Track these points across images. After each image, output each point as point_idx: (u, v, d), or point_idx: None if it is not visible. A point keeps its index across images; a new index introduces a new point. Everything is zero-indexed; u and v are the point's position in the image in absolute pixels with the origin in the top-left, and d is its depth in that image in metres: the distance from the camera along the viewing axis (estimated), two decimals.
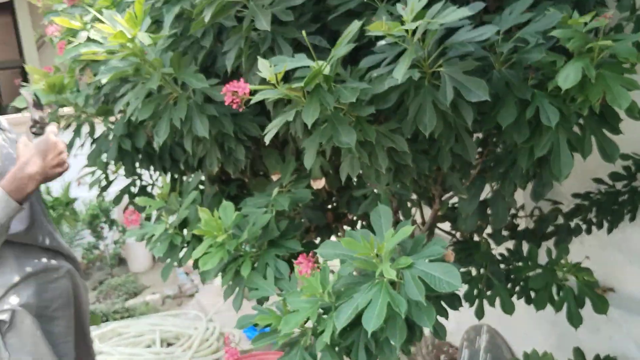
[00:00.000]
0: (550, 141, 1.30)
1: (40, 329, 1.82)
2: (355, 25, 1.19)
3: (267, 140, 1.27)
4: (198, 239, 1.56)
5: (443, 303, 1.43)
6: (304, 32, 1.26)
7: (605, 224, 2.23)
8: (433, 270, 1.12)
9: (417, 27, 1.11)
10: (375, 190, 1.68)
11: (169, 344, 4.08)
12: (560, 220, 2.33)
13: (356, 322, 1.34)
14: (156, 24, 1.59)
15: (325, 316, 1.26)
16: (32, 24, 8.74)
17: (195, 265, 1.52)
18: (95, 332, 4.17)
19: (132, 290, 5.26)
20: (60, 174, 1.66)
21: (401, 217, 1.76)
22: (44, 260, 1.89)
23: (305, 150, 1.35)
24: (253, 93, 1.22)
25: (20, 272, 1.80)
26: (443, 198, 1.79)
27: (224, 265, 1.52)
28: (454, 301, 1.50)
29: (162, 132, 1.48)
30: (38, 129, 1.74)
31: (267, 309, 1.34)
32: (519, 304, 2.09)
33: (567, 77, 1.11)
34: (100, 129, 2.04)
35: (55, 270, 1.93)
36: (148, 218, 1.95)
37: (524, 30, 1.26)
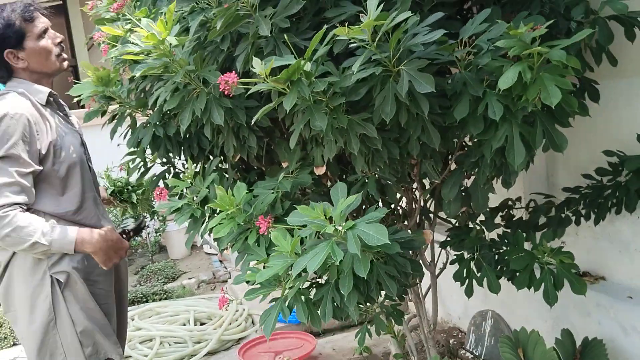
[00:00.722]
0: (505, 134, 1.54)
1: (87, 289, 2.17)
2: (321, 32, 1.46)
3: (253, 121, 1.59)
4: (214, 213, 1.85)
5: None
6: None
7: (593, 216, 2.43)
8: (368, 229, 1.40)
9: (375, 31, 1.38)
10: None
11: (202, 324, 4.39)
12: (553, 212, 2.54)
13: (326, 282, 1.63)
14: (186, 32, 1.88)
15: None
16: (84, 27, 9.28)
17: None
18: (135, 310, 4.53)
19: (170, 275, 5.61)
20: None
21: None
22: None
23: (292, 133, 1.63)
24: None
25: None
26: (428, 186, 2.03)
27: (236, 235, 1.80)
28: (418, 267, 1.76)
29: (185, 120, 1.78)
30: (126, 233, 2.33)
31: (254, 268, 1.63)
32: (520, 292, 2.28)
33: (507, 78, 1.36)
34: (140, 121, 2.35)
35: None
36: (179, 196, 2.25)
37: (480, 38, 1.50)
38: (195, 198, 1.97)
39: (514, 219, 2.58)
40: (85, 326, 2.13)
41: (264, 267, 1.62)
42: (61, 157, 2.12)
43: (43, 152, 2.06)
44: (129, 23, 2.01)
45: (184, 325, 4.35)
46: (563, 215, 2.48)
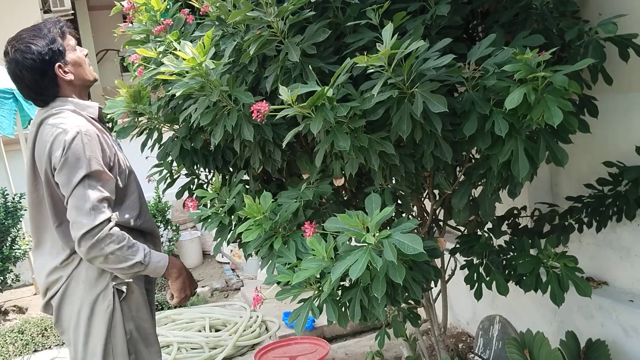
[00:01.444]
0: (511, 149, 1.69)
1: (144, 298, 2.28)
2: (349, 62, 1.61)
3: (284, 144, 1.74)
4: (242, 222, 2.00)
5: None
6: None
7: (595, 224, 2.57)
8: (403, 239, 1.54)
9: (392, 58, 1.53)
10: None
11: (217, 330, 4.53)
12: (557, 220, 2.68)
13: (354, 284, 1.77)
14: (216, 54, 2.03)
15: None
16: (93, 40, 9.53)
17: (240, 244, 1.97)
18: None
19: None
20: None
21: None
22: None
23: (318, 152, 1.78)
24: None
25: None
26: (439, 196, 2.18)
27: (262, 241, 1.95)
28: (439, 273, 1.90)
29: (217, 135, 1.93)
30: None
31: (287, 270, 1.77)
32: (526, 297, 2.41)
33: (512, 99, 1.51)
34: (167, 136, 2.50)
35: None
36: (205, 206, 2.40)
37: (486, 62, 1.66)
38: (222, 207, 2.12)
39: (520, 227, 2.73)
40: (132, 335, 2.22)
41: (298, 270, 1.76)
42: (121, 167, 2.22)
43: (111, 164, 2.15)
44: (161, 45, 2.16)
45: (200, 331, 4.49)
46: (566, 223, 2.62)
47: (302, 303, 1.81)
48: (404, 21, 1.81)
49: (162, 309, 5.09)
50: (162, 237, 6.62)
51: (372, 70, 1.68)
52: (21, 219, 5.82)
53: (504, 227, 2.71)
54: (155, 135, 2.48)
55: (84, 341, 2.18)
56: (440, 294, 2.79)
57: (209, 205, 2.21)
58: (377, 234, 1.55)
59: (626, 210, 2.43)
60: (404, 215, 2.16)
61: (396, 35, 1.57)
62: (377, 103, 1.68)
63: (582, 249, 2.91)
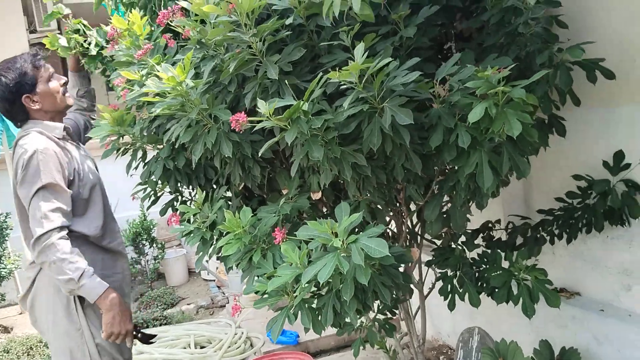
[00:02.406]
0: (476, 161, 1.79)
1: None
2: (323, 77, 1.70)
3: (259, 153, 1.84)
4: (223, 237, 2.07)
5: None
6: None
7: (565, 236, 2.66)
8: (370, 242, 1.61)
9: (362, 74, 1.62)
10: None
11: (202, 347, 4.57)
12: (529, 232, 2.77)
13: (328, 291, 1.85)
14: (197, 75, 2.12)
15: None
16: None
17: (220, 258, 2.04)
18: None
19: (169, 301, 5.78)
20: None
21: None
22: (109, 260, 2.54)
23: (293, 163, 1.86)
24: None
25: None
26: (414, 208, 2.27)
27: (242, 254, 2.02)
28: (409, 278, 1.98)
29: (197, 152, 2.01)
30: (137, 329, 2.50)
31: (263, 279, 1.85)
32: (504, 309, 2.48)
33: (475, 113, 1.61)
34: (150, 155, 2.58)
35: (114, 272, 2.56)
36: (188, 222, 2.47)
37: (452, 79, 1.76)
38: (204, 223, 2.19)
39: (494, 239, 2.82)
40: (101, 340, 2.38)
41: (273, 277, 1.83)
42: (83, 181, 2.45)
43: (70, 178, 2.38)
44: (144, 68, 2.25)
45: (185, 348, 4.52)
46: (538, 236, 2.71)
47: (278, 310, 1.88)
48: (374, 42, 1.91)
49: (148, 326, 5.12)
50: (147, 254, 6.69)
51: (345, 87, 1.77)
52: (7, 238, 5.84)
53: (479, 240, 2.80)
54: (140, 154, 2.55)
55: (57, 339, 2.40)
56: (419, 307, 2.86)
57: (192, 220, 2.29)
58: (345, 239, 1.63)
59: (594, 223, 2.52)
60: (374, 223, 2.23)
61: (365, 53, 1.66)
62: (350, 117, 1.78)
63: (555, 260, 3.00)
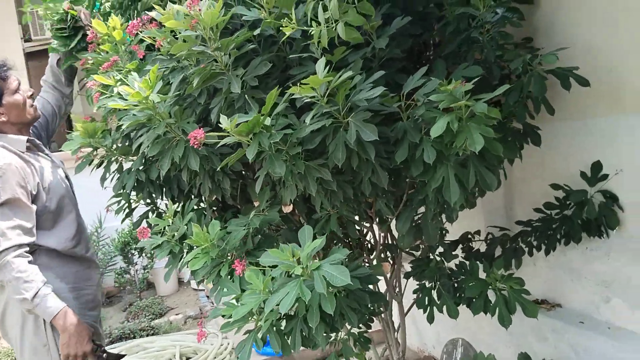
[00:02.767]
0: (442, 175, 1.77)
1: None
2: (273, 91, 1.69)
3: (218, 167, 1.83)
4: (192, 249, 2.05)
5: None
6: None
7: (544, 247, 2.64)
8: (332, 270, 1.59)
9: (326, 89, 1.61)
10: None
11: (188, 358, 4.54)
12: (508, 244, 2.75)
13: (295, 315, 1.82)
14: (169, 86, 2.10)
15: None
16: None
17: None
18: (123, 346, 4.68)
19: (157, 311, 5.76)
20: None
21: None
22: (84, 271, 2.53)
23: (258, 179, 1.85)
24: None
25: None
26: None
27: (210, 268, 1.99)
28: (379, 298, 1.96)
29: (165, 165, 1.99)
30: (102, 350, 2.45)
31: (230, 303, 1.82)
32: (486, 320, 2.46)
33: (437, 127, 1.59)
34: (127, 166, 2.56)
35: (88, 284, 2.55)
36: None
37: (417, 92, 1.74)
38: (174, 235, 2.17)
39: (473, 250, 2.79)
40: None
41: (239, 303, 1.81)
42: (50, 193, 2.42)
43: (34, 192, 2.35)
44: (121, 72, 2.23)
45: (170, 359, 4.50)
46: (516, 247, 2.69)
47: (248, 334, 1.86)
48: (346, 54, 1.90)
49: (134, 337, 5.09)
50: (136, 264, 6.66)
51: (310, 101, 1.75)
52: None
53: (459, 251, 2.78)
54: (115, 166, 2.53)
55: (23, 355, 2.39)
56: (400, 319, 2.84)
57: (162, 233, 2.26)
58: (308, 266, 1.61)
59: (572, 233, 2.50)
60: (339, 245, 2.22)
61: (326, 68, 1.64)
62: (315, 131, 1.76)
63: (536, 272, 2.97)
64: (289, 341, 1.89)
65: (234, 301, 1.90)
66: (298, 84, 1.63)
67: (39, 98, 2.79)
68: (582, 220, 2.47)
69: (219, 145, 1.75)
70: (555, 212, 2.59)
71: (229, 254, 2.01)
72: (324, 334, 1.85)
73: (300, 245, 1.72)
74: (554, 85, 2.21)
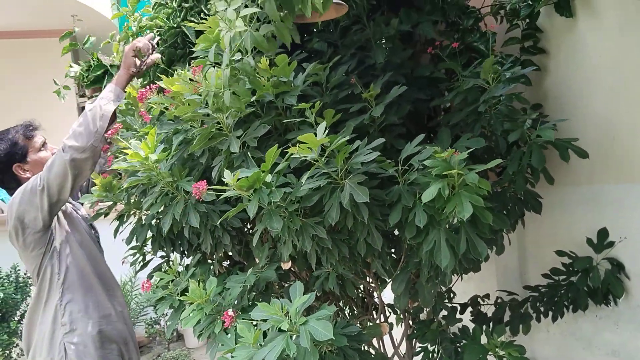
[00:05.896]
0: (434, 239, 1.80)
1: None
2: (272, 149, 1.74)
3: (217, 222, 1.90)
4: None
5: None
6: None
7: (550, 313, 2.60)
8: (317, 325, 1.61)
9: (324, 150, 1.67)
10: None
11: None
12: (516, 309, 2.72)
13: None
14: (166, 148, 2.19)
15: None
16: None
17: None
18: None
19: None
20: (133, 57, 2.45)
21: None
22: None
23: (255, 234, 1.90)
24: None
25: None
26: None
27: (206, 324, 2.04)
28: (373, 358, 1.97)
29: (166, 223, 2.07)
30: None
31: (224, 358, 1.86)
32: None
33: (429, 192, 1.63)
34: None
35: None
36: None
37: (413, 158, 1.80)
38: (176, 290, 2.23)
39: (482, 314, 2.78)
40: None
41: (231, 357, 1.85)
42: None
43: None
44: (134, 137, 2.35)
45: None
46: (523, 312, 2.66)
47: None
48: (344, 119, 1.97)
49: None
50: (167, 315, 6.71)
51: (309, 161, 1.82)
52: (30, 295, 5.97)
53: (468, 314, 2.77)
54: (132, 219, 2.62)
55: None
56: None
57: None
58: (296, 321, 1.65)
59: (578, 301, 2.47)
60: (347, 304, 2.25)
61: (326, 131, 1.71)
62: (314, 190, 1.82)
63: (549, 338, 2.93)
64: None
65: (228, 355, 1.94)
66: (297, 145, 1.70)
67: None
68: (588, 288, 2.45)
69: (219, 199, 1.82)
70: (562, 278, 2.57)
71: (223, 311, 2.05)
72: None
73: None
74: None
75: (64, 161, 2.36)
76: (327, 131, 1.75)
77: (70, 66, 3.06)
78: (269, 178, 1.77)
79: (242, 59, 1.81)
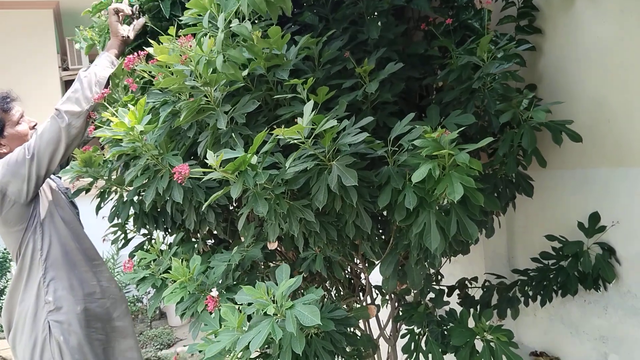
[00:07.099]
0: (424, 221, 1.74)
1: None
2: (262, 133, 1.67)
3: (203, 207, 1.79)
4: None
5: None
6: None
7: (539, 298, 2.57)
8: (304, 310, 1.56)
9: (312, 131, 1.60)
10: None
11: None
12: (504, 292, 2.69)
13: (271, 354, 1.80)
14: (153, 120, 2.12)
15: None
16: None
17: None
18: None
19: (166, 341, 5.73)
20: (116, 22, 2.41)
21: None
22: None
23: (240, 216, 1.84)
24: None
25: None
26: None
27: (189, 303, 1.98)
28: (360, 341, 1.92)
29: (148, 197, 2.00)
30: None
31: (207, 339, 1.80)
32: None
33: (419, 173, 1.57)
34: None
35: None
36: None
37: (402, 139, 1.73)
38: (159, 269, 2.17)
39: (469, 297, 2.74)
40: None
41: (215, 339, 1.79)
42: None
43: None
44: (114, 106, 2.27)
45: None
46: (511, 296, 2.63)
47: None
48: (336, 95, 1.91)
49: None
50: (149, 293, 6.66)
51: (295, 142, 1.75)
52: (9, 271, 5.89)
53: (455, 297, 2.73)
54: (113, 195, 2.55)
55: None
56: None
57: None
58: (282, 305, 1.60)
59: (568, 285, 2.44)
60: (315, 286, 2.20)
61: (313, 112, 1.64)
62: (300, 172, 1.76)
63: (536, 322, 2.90)
64: None
65: (212, 336, 1.88)
66: (283, 126, 1.63)
67: None
68: (578, 272, 2.41)
69: (204, 179, 1.75)
70: (552, 263, 2.54)
71: (208, 290, 2.00)
72: None
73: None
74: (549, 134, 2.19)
75: (59, 127, 2.29)
76: (318, 108, 1.69)
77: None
78: (254, 159, 1.70)
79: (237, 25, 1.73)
